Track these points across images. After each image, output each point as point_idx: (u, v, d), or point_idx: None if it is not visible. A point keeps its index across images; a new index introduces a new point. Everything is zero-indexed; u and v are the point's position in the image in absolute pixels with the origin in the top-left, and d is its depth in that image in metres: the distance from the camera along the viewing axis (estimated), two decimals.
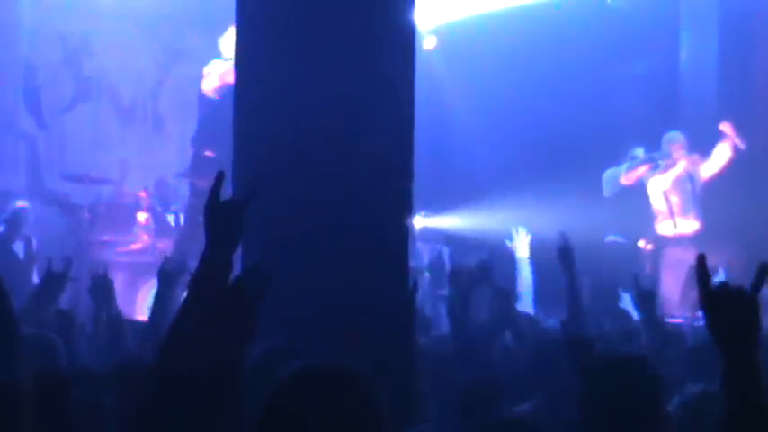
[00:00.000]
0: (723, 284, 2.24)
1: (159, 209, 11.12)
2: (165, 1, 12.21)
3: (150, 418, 2.55)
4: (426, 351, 4.50)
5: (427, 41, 12.10)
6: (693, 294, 9.47)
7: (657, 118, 10.92)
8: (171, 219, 11.10)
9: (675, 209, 10.09)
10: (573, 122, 10.96)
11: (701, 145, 10.15)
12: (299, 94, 4.15)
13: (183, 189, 11.13)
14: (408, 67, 4.29)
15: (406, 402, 3.79)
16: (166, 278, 5.39)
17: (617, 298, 7.13)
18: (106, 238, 10.58)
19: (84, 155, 12.59)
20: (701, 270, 2.27)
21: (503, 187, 10.66)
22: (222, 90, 9.32)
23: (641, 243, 10.29)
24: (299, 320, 3.83)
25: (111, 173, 12.21)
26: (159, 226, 10.92)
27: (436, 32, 12.30)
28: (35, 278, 9.56)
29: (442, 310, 6.32)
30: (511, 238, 7.89)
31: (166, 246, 10.28)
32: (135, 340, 5.15)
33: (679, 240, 9.95)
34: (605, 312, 6.82)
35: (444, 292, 6.11)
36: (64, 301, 6.21)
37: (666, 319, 6.18)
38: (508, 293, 5.64)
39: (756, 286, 2.23)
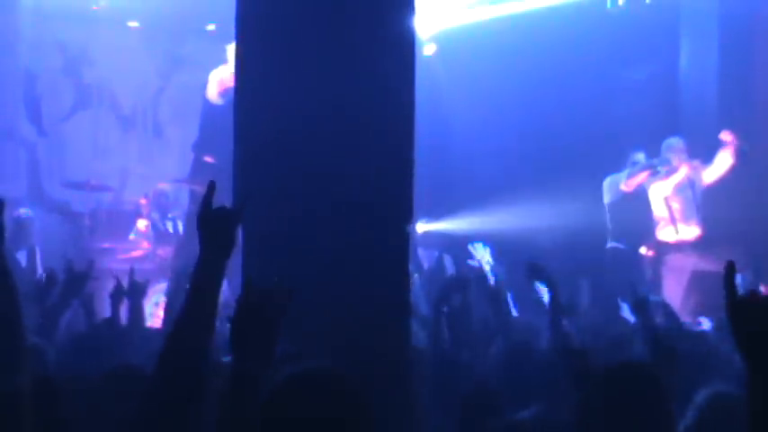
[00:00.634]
0: (751, 293, 2.20)
1: (156, 215, 11.12)
2: (166, 8, 12.21)
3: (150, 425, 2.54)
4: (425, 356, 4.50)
5: (427, 48, 12.11)
6: (694, 300, 9.48)
7: (658, 123, 10.91)
8: (170, 225, 11.10)
9: (677, 215, 10.09)
10: (573, 128, 10.96)
11: (702, 150, 10.14)
12: (299, 100, 4.15)
13: (183, 196, 11.13)
14: (409, 72, 4.28)
15: (403, 407, 3.79)
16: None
17: (617, 305, 7.12)
18: (106, 245, 10.57)
19: (85, 162, 12.59)
20: (729, 278, 2.22)
21: (503, 193, 10.65)
22: (227, 94, 9.34)
23: (643, 249, 10.28)
24: (298, 325, 3.82)
25: (112, 180, 12.22)
26: (158, 233, 10.92)
27: (436, 39, 12.30)
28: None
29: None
30: (472, 257, 7.88)
31: (166, 253, 10.28)
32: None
33: (680, 246, 9.95)
34: (605, 319, 6.82)
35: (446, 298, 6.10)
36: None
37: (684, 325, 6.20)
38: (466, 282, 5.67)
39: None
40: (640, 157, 10.33)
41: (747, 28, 10.77)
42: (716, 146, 9.96)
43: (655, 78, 11.28)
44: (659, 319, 5.87)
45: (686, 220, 10.08)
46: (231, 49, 10.04)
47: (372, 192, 4.13)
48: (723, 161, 9.90)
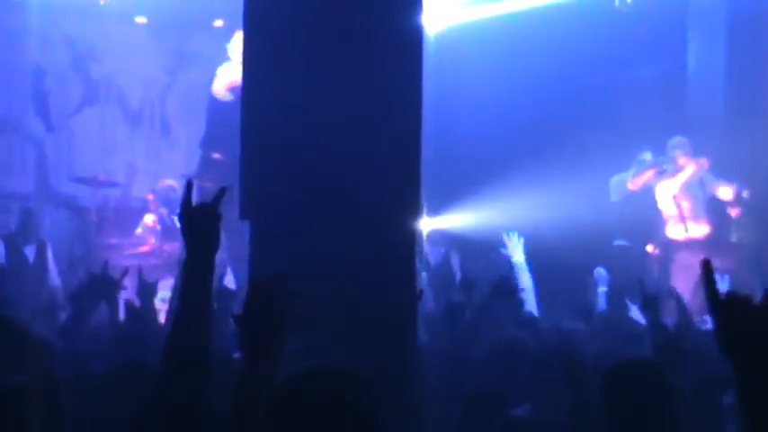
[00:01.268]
0: (732, 293, 2.09)
1: (163, 211, 11.11)
2: (173, 4, 12.22)
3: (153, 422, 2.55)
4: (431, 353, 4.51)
5: (433, 45, 12.09)
6: (701, 298, 9.45)
7: (665, 121, 10.90)
8: (177, 221, 11.07)
9: (686, 213, 10.07)
10: (580, 126, 10.95)
11: (709, 149, 10.12)
12: (306, 97, 4.15)
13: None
14: (415, 69, 4.28)
15: (409, 404, 3.79)
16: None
17: (625, 304, 7.12)
18: (114, 240, 10.58)
19: (92, 158, 12.59)
20: (708, 277, 2.11)
21: (509, 191, 10.64)
22: (235, 90, 9.34)
23: (649, 248, 10.28)
24: (305, 321, 3.82)
25: (119, 176, 12.23)
26: (165, 229, 10.91)
27: (443, 36, 12.29)
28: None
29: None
30: (504, 245, 7.90)
31: (173, 248, 10.28)
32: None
33: (689, 244, 9.93)
34: (615, 318, 6.82)
35: (455, 298, 6.09)
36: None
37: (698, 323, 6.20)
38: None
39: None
40: (647, 155, 10.33)
41: (755, 26, 10.75)
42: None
43: (662, 76, 11.27)
44: (672, 313, 5.88)
45: (696, 218, 10.07)
46: (231, 47, 10.09)
47: (380, 189, 4.13)
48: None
